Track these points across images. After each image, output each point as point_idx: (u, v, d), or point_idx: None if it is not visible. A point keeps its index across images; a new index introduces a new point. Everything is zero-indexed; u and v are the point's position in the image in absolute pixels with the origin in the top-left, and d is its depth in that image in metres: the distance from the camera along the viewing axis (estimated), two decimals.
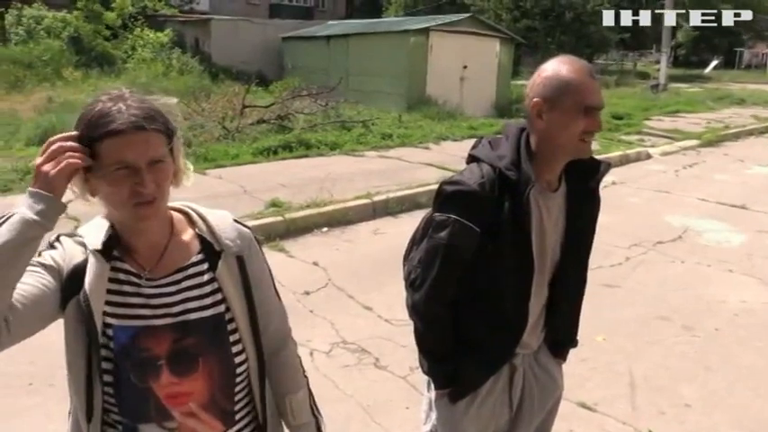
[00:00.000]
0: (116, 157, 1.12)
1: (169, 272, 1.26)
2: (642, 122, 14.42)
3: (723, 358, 3.90)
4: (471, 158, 1.71)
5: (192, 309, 1.25)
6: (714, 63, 37.51)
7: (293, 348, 1.49)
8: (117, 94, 1.18)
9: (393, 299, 4.27)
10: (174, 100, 1.34)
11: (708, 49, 39.24)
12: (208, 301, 1.27)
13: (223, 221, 1.33)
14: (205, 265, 1.28)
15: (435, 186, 1.74)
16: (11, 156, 8.61)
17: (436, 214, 1.67)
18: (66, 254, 1.22)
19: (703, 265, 5.62)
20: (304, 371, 1.51)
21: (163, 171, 1.17)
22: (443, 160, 8.99)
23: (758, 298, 4.88)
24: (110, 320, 1.21)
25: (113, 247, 1.23)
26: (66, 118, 9.88)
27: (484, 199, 1.60)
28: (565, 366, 1.99)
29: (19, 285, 1.09)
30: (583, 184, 1.72)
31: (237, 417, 1.35)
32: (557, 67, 1.58)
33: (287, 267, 5.09)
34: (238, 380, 1.32)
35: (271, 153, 9.05)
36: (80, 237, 1.25)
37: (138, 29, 19.65)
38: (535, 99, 1.59)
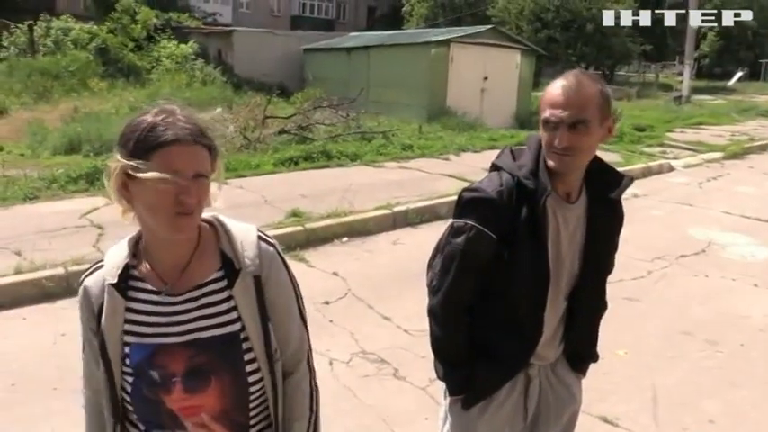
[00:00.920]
0: (166, 165, 1.14)
1: (188, 288, 1.26)
2: (665, 134, 14.29)
3: (748, 374, 3.84)
4: (493, 167, 1.75)
5: (207, 326, 1.25)
6: (739, 75, 36.80)
7: (305, 373, 1.40)
8: (168, 108, 1.20)
9: (412, 309, 4.28)
10: (219, 115, 1.37)
11: (732, 61, 38.68)
12: (223, 318, 1.26)
13: (247, 237, 1.32)
14: (224, 282, 1.28)
15: (455, 197, 1.77)
16: (38, 164, 8.81)
17: (455, 220, 1.71)
18: (93, 301, 1.27)
19: (727, 279, 5.53)
20: (314, 400, 1.42)
21: (205, 186, 1.19)
22: (463, 171, 8.97)
23: None
24: (128, 339, 1.24)
25: (131, 276, 1.26)
26: (92, 127, 10.09)
27: (501, 207, 1.63)
28: (585, 380, 1.97)
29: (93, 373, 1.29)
30: (604, 197, 1.73)
31: (252, 430, 1.33)
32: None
33: (307, 277, 5.11)
34: (252, 397, 1.30)
35: (292, 163, 9.13)
36: (100, 266, 1.29)
37: (164, 40, 20.02)
38: None
